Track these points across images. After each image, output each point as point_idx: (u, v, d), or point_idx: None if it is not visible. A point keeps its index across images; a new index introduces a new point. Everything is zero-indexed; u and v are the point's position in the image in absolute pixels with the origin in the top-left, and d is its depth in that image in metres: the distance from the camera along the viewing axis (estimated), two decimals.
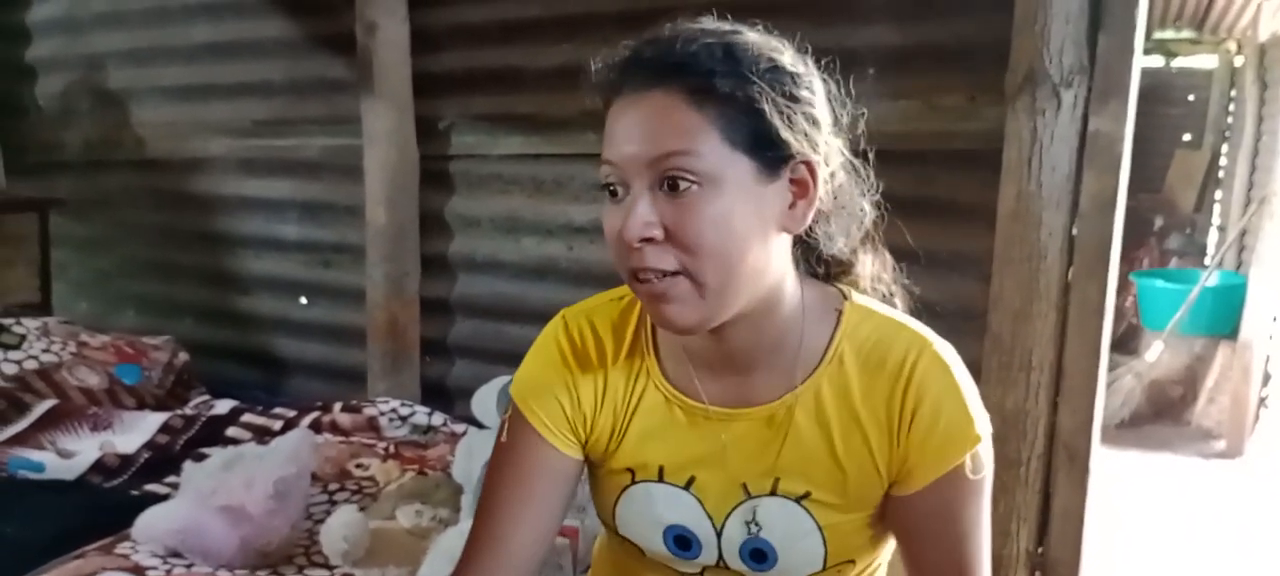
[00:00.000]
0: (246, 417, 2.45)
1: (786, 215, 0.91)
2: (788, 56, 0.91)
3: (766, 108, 0.86)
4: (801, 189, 0.91)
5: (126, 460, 2.25)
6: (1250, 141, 5.25)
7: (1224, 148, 6.33)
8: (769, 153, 0.88)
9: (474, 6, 2.61)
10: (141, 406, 2.57)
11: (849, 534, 0.99)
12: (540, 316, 2.73)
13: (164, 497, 2.02)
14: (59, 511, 1.98)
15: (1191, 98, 6.55)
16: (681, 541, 1.03)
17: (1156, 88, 6.01)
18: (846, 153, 0.96)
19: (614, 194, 0.89)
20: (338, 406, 2.50)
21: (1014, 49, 1.80)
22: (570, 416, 1.03)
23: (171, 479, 2.15)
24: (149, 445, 2.31)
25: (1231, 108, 6.29)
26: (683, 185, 0.85)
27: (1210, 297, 4.46)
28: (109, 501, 2.06)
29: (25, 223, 3.31)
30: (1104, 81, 1.73)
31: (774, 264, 0.92)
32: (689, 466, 1.01)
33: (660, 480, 1.02)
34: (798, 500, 0.98)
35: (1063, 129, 1.76)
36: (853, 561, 1.02)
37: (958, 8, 2.01)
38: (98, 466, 2.21)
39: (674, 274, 0.87)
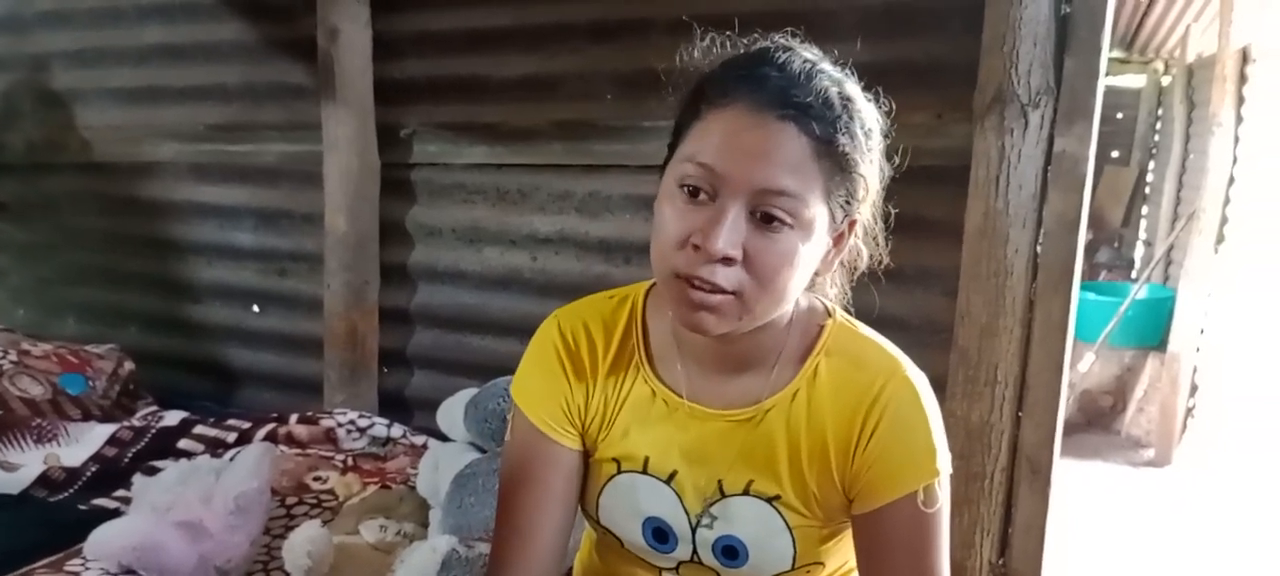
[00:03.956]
0: (199, 429, 2.39)
1: (823, 260, 0.96)
2: (875, 115, 0.95)
3: (862, 176, 0.92)
4: (839, 240, 0.97)
5: (73, 473, 2.18)
6: (1177, 159, 5.43)
7: (1151, 165, 6.55)
8: (842, 212, 0.93)
9: (438, 14, 2.58)
10: (87, 417, 2.49)
11: (817, 537, 1.03)
12: (502, 328, 2.73)
13: (113, 512, 1.97)
14: (3, 527, 1.92)
15: (1120, 116, 6.76)
16: (659, 534, 1.08)
17: None
18: (874, 208, 1.00)
19: (694, 194, 0.89)
20: (294, 418, 2.45)
21: (983, 69, 1.84)
22: (567, 409, 1.08)
23: (121, 493, 2.10)
24: (96, 458, 2.24)
25: (1158, 126, 6.52)
26: (778, 223, 0.87)
27: (1139, 310, 4.60)
28: (56, 517, 1.99)
29: None
30: (1069, 103, 1.78)
31: None
32: (672, 460, 1.05)
33: (645, 471, 1.06)
34: (769, 501, 1.02)
35: (1029, 148, 1.80)
36: (822, 563, 1.06)
37: (927, 27, 2.05)
38: (43, 480, 2.13)
39: (728, 293, 0.89)
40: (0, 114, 3.39)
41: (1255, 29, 4.04)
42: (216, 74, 2.94)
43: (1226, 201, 4.21)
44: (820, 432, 0.99)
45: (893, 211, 1.04)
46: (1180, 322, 4.32)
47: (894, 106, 0.99)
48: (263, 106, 2.90)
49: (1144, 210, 6.53)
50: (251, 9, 2.85)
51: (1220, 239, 4.25)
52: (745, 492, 1.02)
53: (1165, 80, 6.36)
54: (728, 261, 0.88)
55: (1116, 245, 6.53)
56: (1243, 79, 4.08)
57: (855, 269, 1.06)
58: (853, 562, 1.09)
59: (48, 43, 3.26)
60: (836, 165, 0.89)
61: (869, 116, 0.94)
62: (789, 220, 0.88)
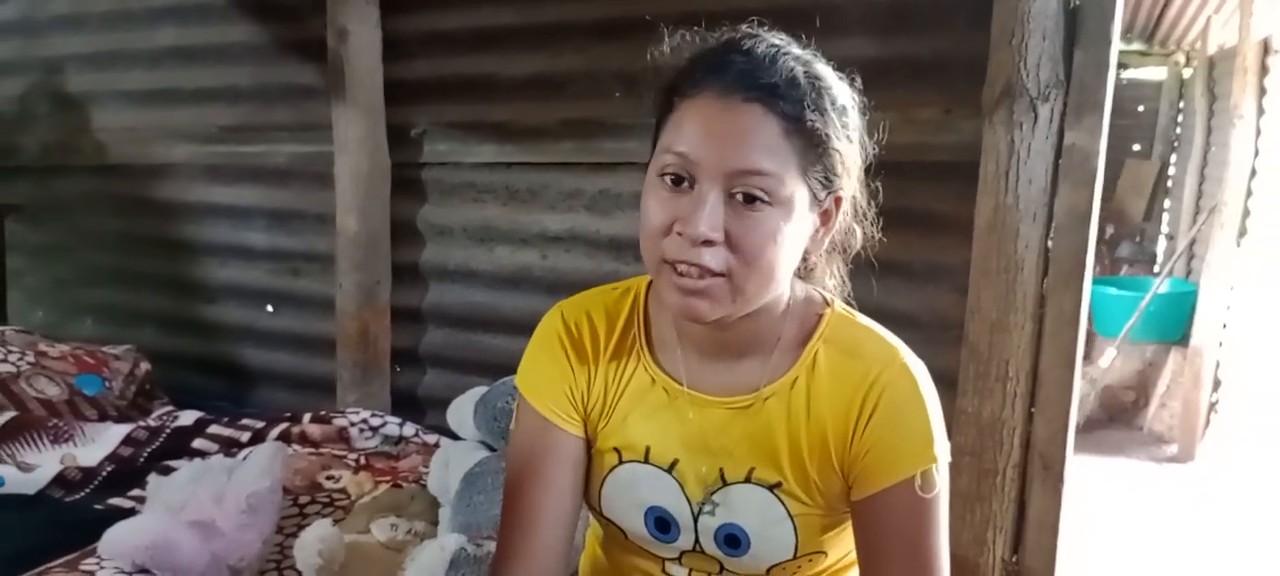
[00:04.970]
0: (213, 429, 2.40)
1: (811, 238, 0.98)
2: (848, 93, 0.97)
3: (837, 150, 0.94)
4: (826, 217, 0.99)
5: (89, 473, 2.19)
6: (1199, 152, 5.37)
7: (1173, 158, 6.48)
8: (824, 189, 0.95)
9: (447, 13, 2.59)
10: (103, 418, 2.50)
11: (819, 526, 1.04)
12: (513, 326, 2.74)
13: (129, 512, 1.97)
14: (19, 527, 1.93)
15: (1141, 109, 6.70)
16: (661, 523, 1.08)
17: None
18: (860, 184, 1.02)
19: (676, 183, 0.92)
20: (307, 417, 2.45)
21: (991, 63, 1.82)
22: (570, 395, 1.09)
23: (136, 492, 2.11)
24: (112, 458, 2.25)
25: (1180, 119, 6.45)
26: (758, 203, 0.90)
27: (1161, 305, 4.56)
28: (71, 516, 2.00)
29: None
30: (1079, 96, 1.76)
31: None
32: (673, 449, 1.06)
33: (646, 461, 1.07)
34: (770, 488, 1.03)
35: (1039, 143, 1.79)
36: (824, 552, 1.07)
37: (934, 21, 2.04)
38: (59, 480, 2.14)
39: (716, 275, 0.91)
40: (16, 117, 3.43)
41: (1276, 20, 3.98)
42: (228, 75, 2.97)
43: (1248, 194, 4.16)
44: (819, 419, 1.00)
45: (880, 187, 1.05)
46: (1203, 317, 4.28)
47: (859, 79, 1.00)
48: (274, 107, 2.92)
49: (1166, 204, 6.46)
50: (262, 10, 2.87)
51: (1242, 232, 4.20)
52: (747, 480, 1.03)
53: (1186, 72, 6.29)
54: (710, 244, 0.89)
55: (1138, 239, 6.47)
56: (1264, 71, 4.03)
57: (848, 249, 1.08)
58: (853, 553, 1.09)
59: (62, 46, 3.30)
60: (808, 142, 0.92)
61: (841, 94, 0.96)
62: (767, 199, 0.90)
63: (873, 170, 1.03)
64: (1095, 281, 5.08)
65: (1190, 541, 3.37)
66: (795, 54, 0.94)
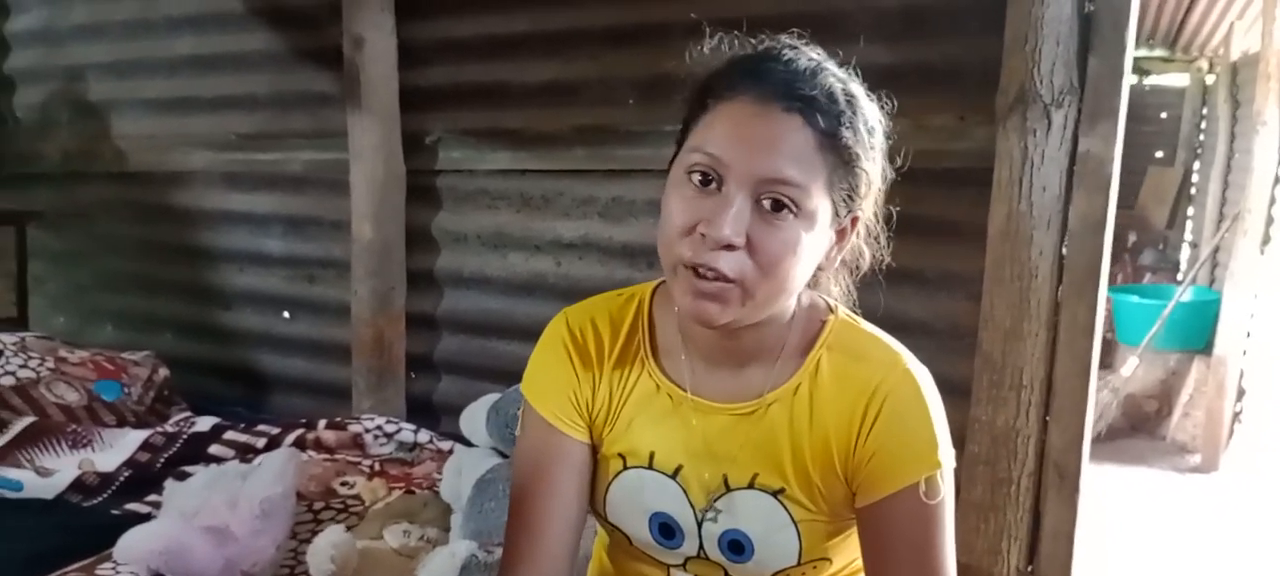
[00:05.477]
0: (229, 435, 2.42)
1: (825, 254, 0.98)
2: (878, 115, 0.97)
3: (863, 170, 0.94)
4: (841, 235, 0.99)
5: (106, 478, 2.21)
6: (1222, 159, 5.32)
7: (1196, 165, 6.43)
8: (845, 206, 0.95)
9: (461, 21, 2.61)
10: (121, 423, 2.52)
11: (823, 532, 1.04)
12: (527, 333, 2.76)
13: (145, 517, 1.99)
14: (37, 531, 1.95)
15: (1164, 115, 6.67)
16: (666, 529, 1.08)
17: (1130, 105, 6.06)
18: (876, 206, 1.02)
19: (704, 183, 0.91)
20: (322, 423, 2.47)
21: (1005, 69, 1.81)
22: (575, 401, 1.09)
23: (153, 498, 2.13)
24: (129, 463, 2.26)
25: (1203, 125, 6.39)
26: (784, 212, 0.90)
27: (1184, 313, 4.50)
28: (88, 521, 2.02)
29: (2, 236, 3.27)
30: (1094, 103, 1.76)
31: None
32: (677, 455, 1.06)
33: (650, 466, 1.07)
34: (774, 494, 1.02)
35: (1053, 149, 1.78)
36: (828, 559, 1.07)
37: (947, 28, 2.03)
38: (77, 485, 2.16)
39: (730, 281, 0.90)
40: (37, 124, 3.48)
41: None
42: (246, 83, 2.99)
43: (1272, 201, 4.11)
44: (822, 426, 1.00)
45: (895, 211, 1.05)
46: (1226, 325, 4.22)
47: (896, 105, 0.99)
48: (290, 115, 2.94)
49: (1189, 211, 6.42)
50: (279, 19, 2.90)
51: (1266, 239, 4.15)
52: (750, 486, 1.03)
53: (1209, 79, 6.24)
54: (732, 248, 0.89)
55: (1161, 247, 6.42)
56: None
57: (857, 268, 1.07)
58: (860, 561, 1.08)
59: (82, 54, 3.34)
60: (840, 159, 0.92)
61: (872, 115, 0.96)
62: (793, 209, 0.90)
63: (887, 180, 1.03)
64: (1118, 289, 5.05)
65: (1213, 552, 3.33)
66: (834, 70, 0.94)
